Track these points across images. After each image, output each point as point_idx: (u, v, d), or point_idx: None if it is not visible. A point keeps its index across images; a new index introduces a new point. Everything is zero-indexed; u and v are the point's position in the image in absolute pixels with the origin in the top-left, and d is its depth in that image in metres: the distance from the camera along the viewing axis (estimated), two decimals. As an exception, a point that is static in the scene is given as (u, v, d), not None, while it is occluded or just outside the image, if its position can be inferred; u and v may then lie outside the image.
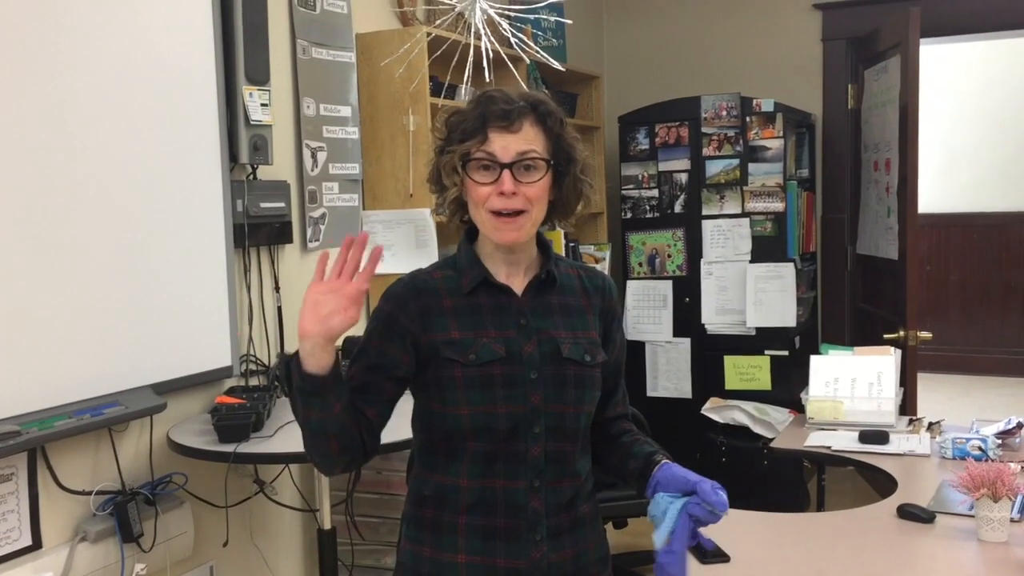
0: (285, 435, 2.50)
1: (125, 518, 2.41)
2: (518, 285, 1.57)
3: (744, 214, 4.45)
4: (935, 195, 7.22)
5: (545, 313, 1.56)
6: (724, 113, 4.44)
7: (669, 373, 4.63)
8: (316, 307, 1.41)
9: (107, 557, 2.39)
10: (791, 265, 4.38)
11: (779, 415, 4.23)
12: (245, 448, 2.42)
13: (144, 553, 2.45)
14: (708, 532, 1.55)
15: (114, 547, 2.41)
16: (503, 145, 1.48)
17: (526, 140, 1.49)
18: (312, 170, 3.21)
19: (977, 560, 2.32)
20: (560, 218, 1.61)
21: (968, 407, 6.19)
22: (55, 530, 2.34)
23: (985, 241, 7.40)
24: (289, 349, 3.10)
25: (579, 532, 1.57)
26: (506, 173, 1.48)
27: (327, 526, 2.71)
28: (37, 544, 2.28)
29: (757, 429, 4.26)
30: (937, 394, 6.36)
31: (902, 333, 3.93)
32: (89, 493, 2.41)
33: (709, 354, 4.51)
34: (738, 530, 2.51)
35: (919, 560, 2.37)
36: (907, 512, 2.57)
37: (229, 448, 2.40)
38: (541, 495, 1.52)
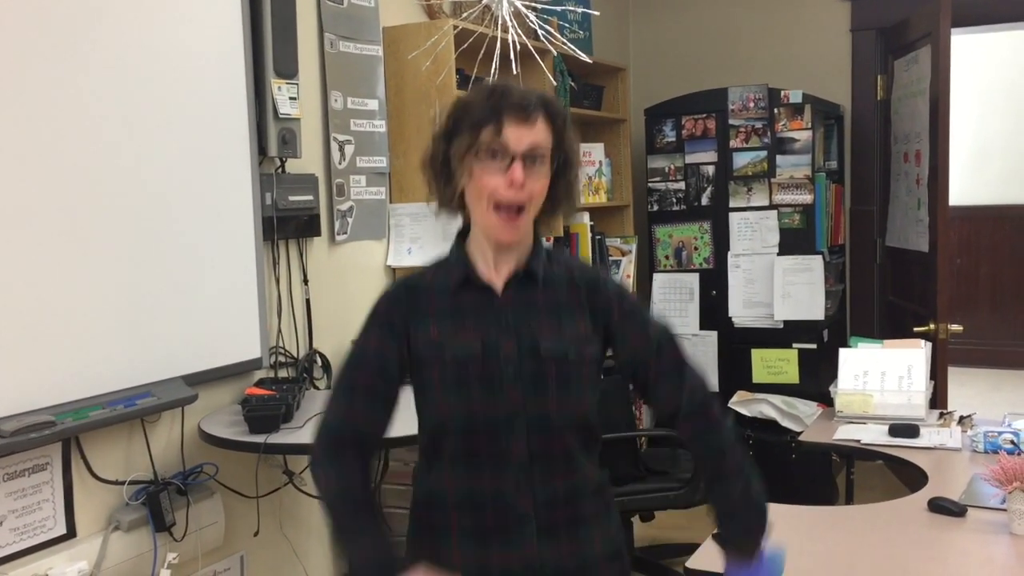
0: (314, 426, 2.51)
1: (157, 507, 2.44)
2: (500, 281, 1.55)
3: (772, 206, 4.43)
4: (965, 188, 7.13)
5: (528, 310, 1.54)
6: (751, 104, 4.42)
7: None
8: None
9: (140, 546, 2.42)
10: (819, 258, 4.36)
11: (807, 408, 4.20)
12: (275, 439, 2.44)
13: (176, 542, 2.48)
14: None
15: (147, 536, 2.43)
16: (517, 136, 1.47)
17: (538, 135, 1.49)
18: (340, 163, 3.23)
19: (1009, 553, 2.30)
20: (549, 217, 1.59)
21: (1000, 401, 6.12)
22: (89, 519, 2.37)
23: (1017, 234, 7.31)
24: (317, 342, 3.11)
25: (581, 529, 1.55)
26: (518, 163, 1.47)
27: (356, 517, 2.72)
28: (71, 533, 2.31)
29: (785, 423, 4.24)
30: (968, 388, 6.29)
31: (932, 326, 3.89)
32: (122, 483, 2.44)
33: (736, 347, 4.50)
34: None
35: (950, 554, 2.35)
36: (938, 506, 2.54)
37: (260, 439, 2.42)
38: (529, 493, 1.50)
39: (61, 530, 2.29)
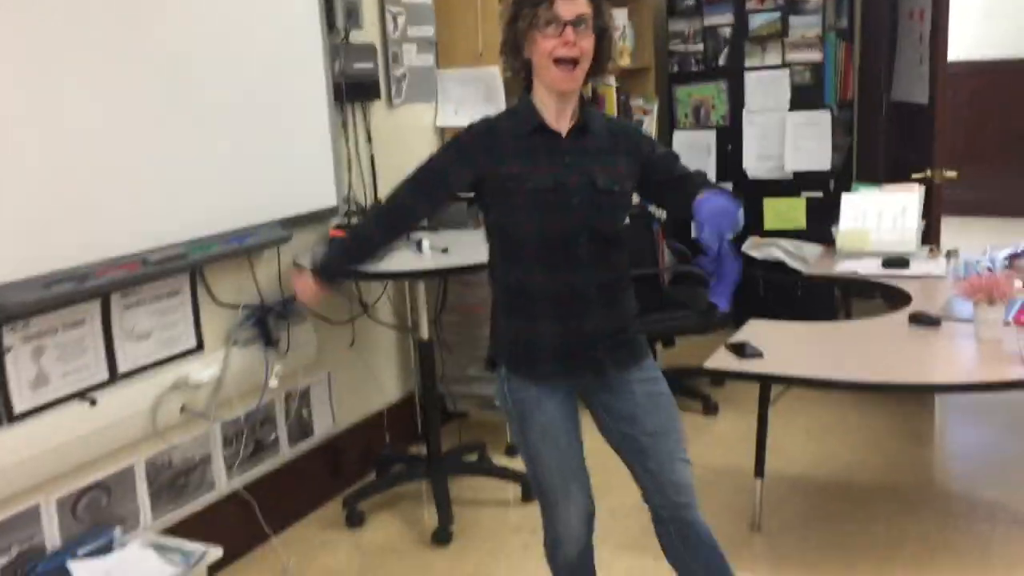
0: (389, 260, 2.96)
1: (265, 328, 2.93)
2: (564, 129, 2.01)
3: (784, 65, 4.75)
4: (978, 41, 7.32)
5: (584, 153, 2.00)
6: (767, -33, 4.68)
7: (713, 216, 4.99)
8: None
9: (254, 358, 2.92)
10: (827, 112, 4.70)
11: (813, 250, 4.62)
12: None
13: (281, 356, 2.98)
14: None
15: (258, 351, 2.93)
16: (566, 6, 1.92)
17: (581, 6, 1.94)
18: (394, 33, 3.59)
19: (974, 353, 2.76)
20: (594, 74, 2.03)
21: (997, 244, 6.46)
22: (213, 336, 2.86)
23: (1026, 86, 7.50)
24: (381, 193, 3.55)
25: (617, 306, 2.07)
26: (568, 27, 1.91)
27: (426, 337, 3.22)
28: (200, 346, 2.81)
29: (793, 264, 4.66)
30: (968, 234, 6.64)
31: (929, 172, 4.27)
32: (236, 307, 2.92)
33: (750, 197, 4.88)
34: (771, 335, 2.98)
35: (925, 354, 2.82)
36: (917, 318, 2.99)
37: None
38: (592, 282, 2.01)
39: (193, 343, 2.78)
